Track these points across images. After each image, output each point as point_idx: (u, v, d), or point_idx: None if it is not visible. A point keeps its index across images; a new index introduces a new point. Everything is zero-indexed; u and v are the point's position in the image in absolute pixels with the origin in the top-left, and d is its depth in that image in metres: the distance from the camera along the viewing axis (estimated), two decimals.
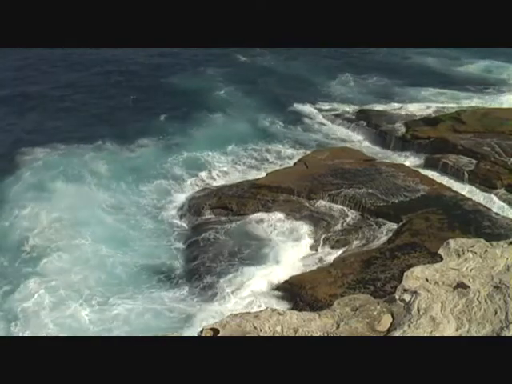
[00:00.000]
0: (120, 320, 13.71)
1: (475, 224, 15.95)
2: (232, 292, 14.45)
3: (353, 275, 14.25)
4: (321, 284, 14.10)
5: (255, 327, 3.83)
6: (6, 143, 23.89)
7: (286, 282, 14.69)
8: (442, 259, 4.43)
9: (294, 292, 14.22)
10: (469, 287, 3.98)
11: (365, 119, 26.68)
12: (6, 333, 13.08)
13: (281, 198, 18.50)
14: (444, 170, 20.95)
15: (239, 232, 17.16)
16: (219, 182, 21.34)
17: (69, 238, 16.96)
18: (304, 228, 16.98)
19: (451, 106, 27.81)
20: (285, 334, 3.81)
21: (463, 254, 4.41)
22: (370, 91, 32.07)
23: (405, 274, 4.27)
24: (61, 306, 14.10)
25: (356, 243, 16.42)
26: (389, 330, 3.82)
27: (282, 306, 13.60)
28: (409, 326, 3.71)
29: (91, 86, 32.03)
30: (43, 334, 12.90)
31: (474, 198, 18.13)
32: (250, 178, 21.24)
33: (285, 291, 14.44)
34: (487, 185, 19.63)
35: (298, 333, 3.82)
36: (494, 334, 3.51)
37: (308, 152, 23.04)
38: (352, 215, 17.60)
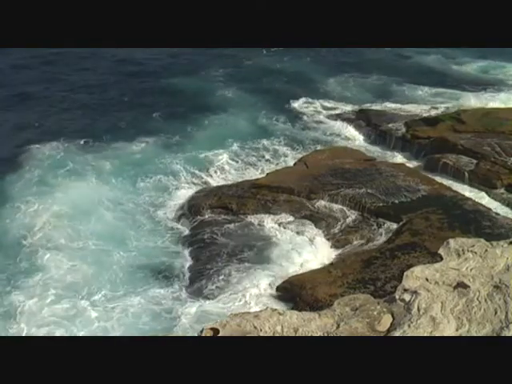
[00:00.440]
0: (120, 320, 13.70)
1: (475, 224, 15.94)
2: (232, 292, 14.44)
3: (353, 275, 14.25)
4: (321, 284, 14.09)
5: (255, 327, 3.83)
6: (6, 142, 23.89)
7: (286, 281, 14.68)
8: (442, 259, 4.44)
9: (294, 292, 14.21)
10: (469, 287, 3.98)
11: (365, 119, 26.65)
12: (4, 332, 13.09)
13: (281, 198, 18.49)
14: (444, 169, 20.93)
15: (239, 232, 17.14)
16: (218, 180, 21.37)
17: (68, 235, 17.00)
18: (304, 228, 16.99)
19: (451, 106, 27.82)
20: (285, 334, 3.81)
21: (463, 253, 4.41)
22: (370, 91, 32.02)
23: (405, 273, 4.28)
24: (57, 304, 14.11)
25: (356, 243, 16.42)
26: (389, 330, 3.83)
27: (282, 305, 13.58)
28: (409, 326, 3.71)
29: (91, 86, 32.01)
30: (33, 333, 12.91)
31: (474, 198, 18.13)
32: (249, 176, 21.22)
33: (285, 291, 14.43)
34: (487, 185, 19.61)
35: (298, 333, 3.82)
36: (494, 334, 3.51)
37: (308, 151, 23.06)
38: (352, 215, 17.59)
